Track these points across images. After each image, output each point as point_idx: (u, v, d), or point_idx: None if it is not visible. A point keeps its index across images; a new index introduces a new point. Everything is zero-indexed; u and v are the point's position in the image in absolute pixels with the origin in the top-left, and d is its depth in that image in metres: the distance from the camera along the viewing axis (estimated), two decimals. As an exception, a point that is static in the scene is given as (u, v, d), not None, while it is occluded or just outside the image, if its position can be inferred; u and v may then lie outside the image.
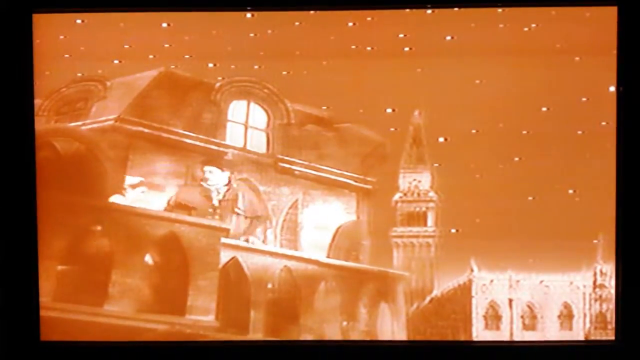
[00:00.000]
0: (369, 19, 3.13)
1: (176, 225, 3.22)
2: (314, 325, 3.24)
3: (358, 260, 3.25)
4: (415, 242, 3.23)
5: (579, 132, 3.13)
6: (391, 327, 3.23)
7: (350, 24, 3.14)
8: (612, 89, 3.06)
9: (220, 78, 3.22)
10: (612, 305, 3.16)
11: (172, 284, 3.22)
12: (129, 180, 3.22)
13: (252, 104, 3.28)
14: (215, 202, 3.26)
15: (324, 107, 3.21)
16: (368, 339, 3.24)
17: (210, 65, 3.21)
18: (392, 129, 3.19)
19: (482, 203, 3.15)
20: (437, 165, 3.21)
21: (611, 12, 3.03)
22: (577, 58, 3.10)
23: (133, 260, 3.19)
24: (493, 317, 3.23)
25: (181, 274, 3.21)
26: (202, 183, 3.25)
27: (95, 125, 3.23)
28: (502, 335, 3.22)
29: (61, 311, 3.20)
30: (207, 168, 3.25)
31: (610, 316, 3.17)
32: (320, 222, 3.28)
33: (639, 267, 3.08)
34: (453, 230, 3.19)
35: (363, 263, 3.25)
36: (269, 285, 3.24)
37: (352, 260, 3.26)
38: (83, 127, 3.23)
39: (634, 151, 3.05)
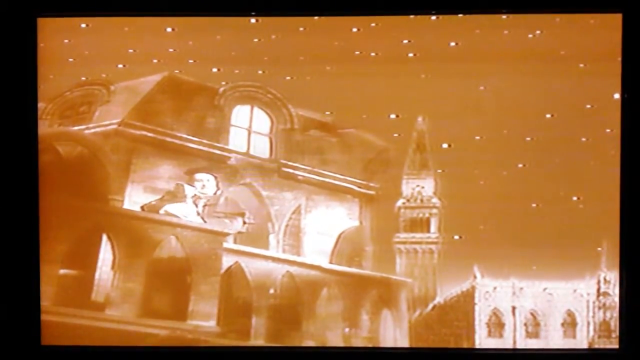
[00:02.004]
0: (373, 24, 3.13)
1: (178, 230, 3.22)
2: (316, 331, 3.22)
3: (360, 266, 3.24)
4: (418, 249, 3.22)
5: (583, 139, 3.13)
6: (393, 334, 3.22)
7: (355, 29, 3.14)
8: (617, 96, 3.06)
9: (224, 83, 3.22)
10: (616, 314, 3.14)
11: (174, 289, 3.21)
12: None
13: (255, 109, 3.28)
14: (200, 209, 3.26)
15: (328, 113, 3.21)
16: (370, 345, 3.22)
17: (214, 70, 3.21)
18: (396, 135, 3.19)
19: (486, 210, 3.14)
20: (440, 171, 3.20)
21: (616, 19, 3.02)
22: (581, 65, 3.09)
23: (135, 265, 3.18)
24: (496, 325, 3.22)
25: (183, 278, 3.20)
26: (195, 191, 3.25)
27: (98, 130, 3.23)
28: (505, 343, 3.21)
29: (62, 315, 3.19)
30: (204, 176, 3.24)
31: (614, 324, 3.15)
32: (323, 228, 3.27)
33: (644, 275, 3.08)
34: (456, 237, 3.18)
35: (365, 269, 3.24)
36: (271, 291, 3.23)
37: (355, 266, 3.24)
38: (86, 131, 3.23)
39: (639, 158, 3.04)
